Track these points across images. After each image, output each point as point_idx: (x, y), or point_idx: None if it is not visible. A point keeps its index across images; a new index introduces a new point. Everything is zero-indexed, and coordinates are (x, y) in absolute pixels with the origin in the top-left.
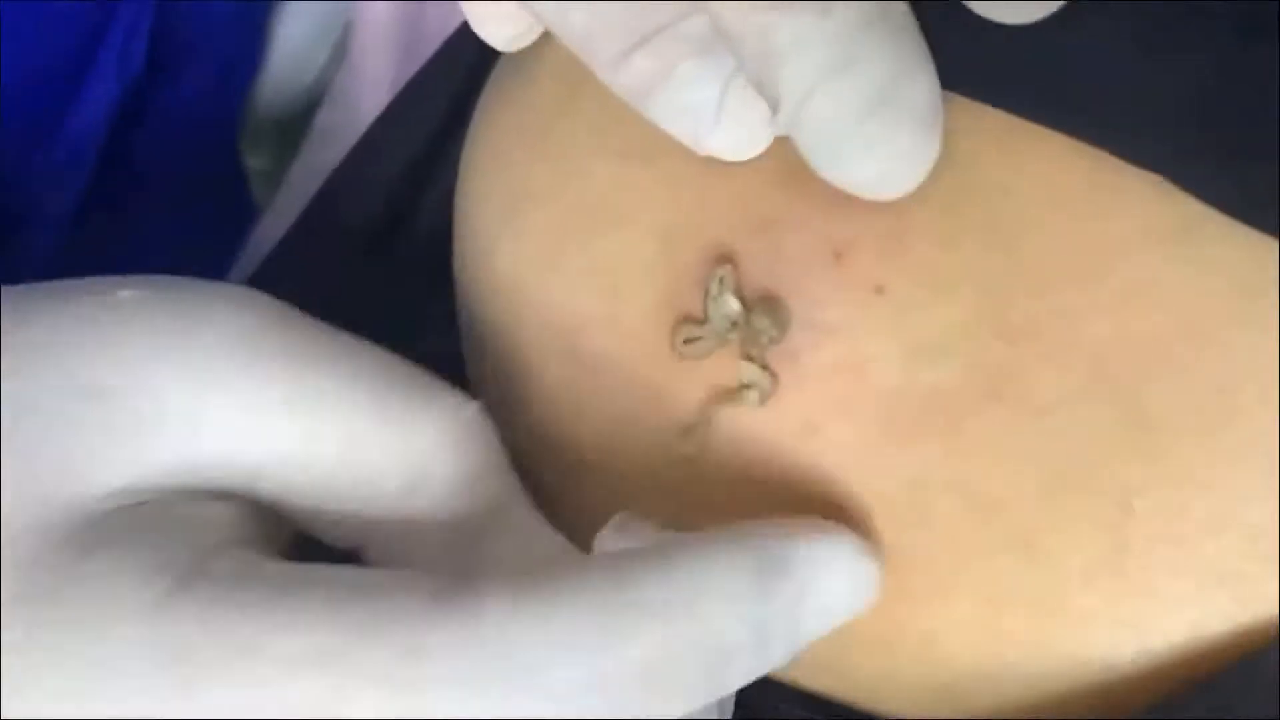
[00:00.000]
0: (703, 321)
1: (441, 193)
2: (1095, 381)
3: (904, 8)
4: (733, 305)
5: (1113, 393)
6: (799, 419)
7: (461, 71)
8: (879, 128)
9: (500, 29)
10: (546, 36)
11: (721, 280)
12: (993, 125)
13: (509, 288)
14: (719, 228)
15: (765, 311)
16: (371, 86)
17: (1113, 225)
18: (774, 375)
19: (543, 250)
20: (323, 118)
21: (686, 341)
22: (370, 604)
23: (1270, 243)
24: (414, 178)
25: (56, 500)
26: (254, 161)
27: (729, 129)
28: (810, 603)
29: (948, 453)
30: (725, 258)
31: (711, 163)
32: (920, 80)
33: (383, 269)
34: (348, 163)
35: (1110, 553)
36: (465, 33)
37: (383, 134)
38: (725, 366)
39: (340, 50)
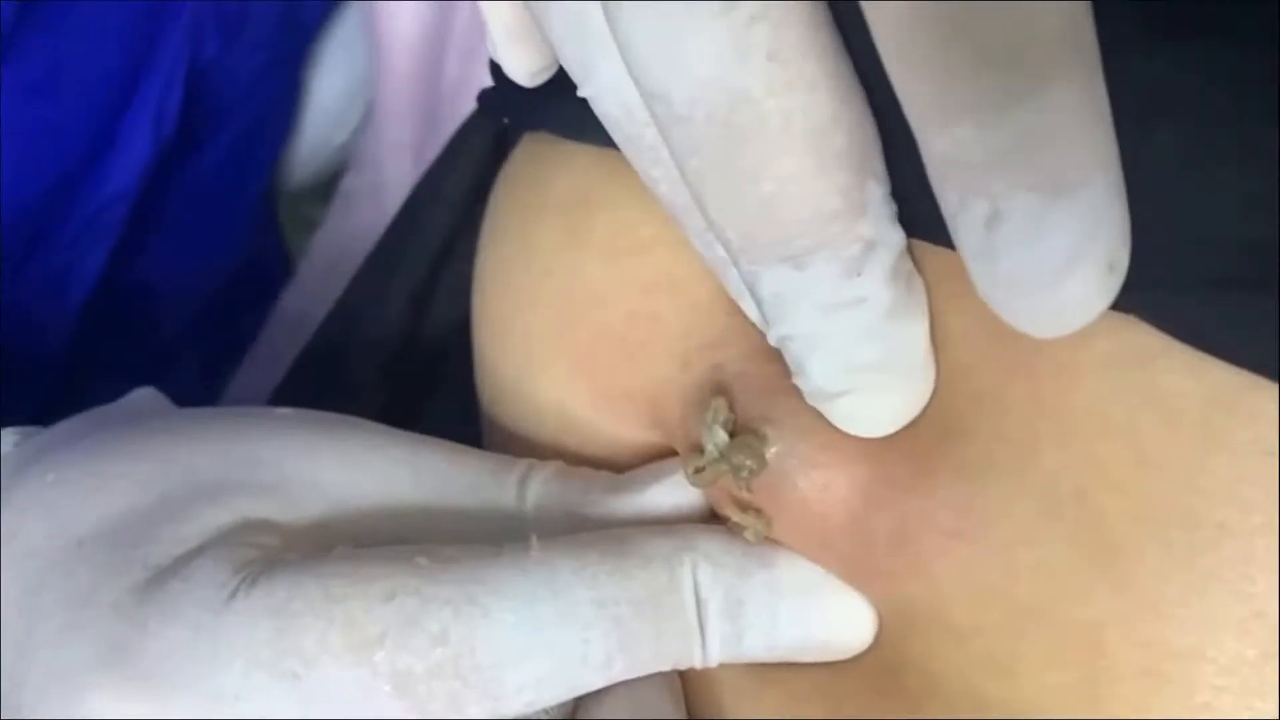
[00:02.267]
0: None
1: (447, 300)
2: (1054, 512)
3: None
4: (721, 437)
5: (1074, 524)
6: (792, 547)
7: (465, 179)
8: (858, 380)
9: (522, 63)
10: (548, 163)
11: (715, 411)
12: (942, 256)
13: (545, 415)
14: (724, 354)
15: (741, 446)
16: (393, 150)
17: (1067, 353)
18: (761, 513)
19: (571, 378)
20: (347, 182)
21: (696, 471)
22: (434, 552)
23: (1229, 371)
24: (420, 292)
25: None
26: (289, 221)
27: None
28: (789, 603)
29: (921, 588)
30: (722, 387)
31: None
32: (910, 331)
33: (394, 373)
34: (363, 274)
35: (1083, 684)
36: (465, 138)
37: (396, 243)
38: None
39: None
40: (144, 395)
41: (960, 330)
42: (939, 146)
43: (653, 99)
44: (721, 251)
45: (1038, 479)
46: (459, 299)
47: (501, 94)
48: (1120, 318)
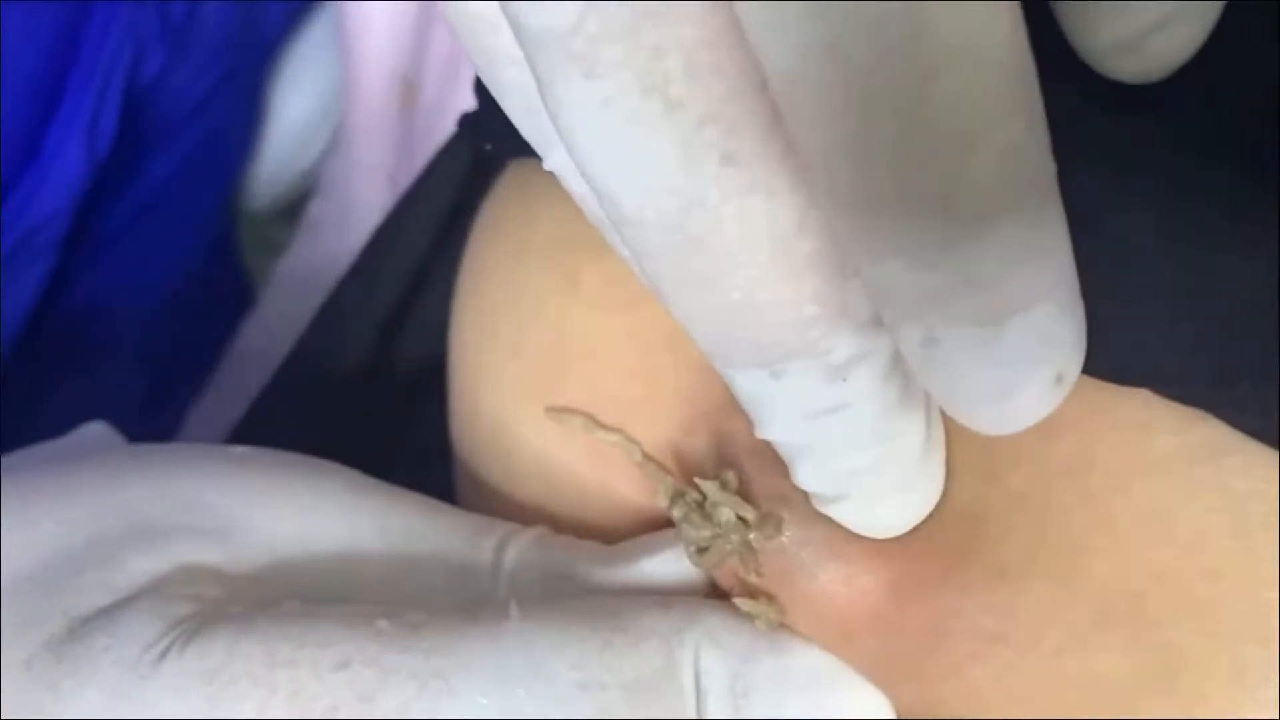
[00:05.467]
0: (707, 526)
1: (418, 334)
2: (1108, 621)
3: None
4: (727, 515)
5: (1131, 633)
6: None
7: (441, 206)
8: (853, 486)
9: None
10: (534, 197)
11: (723, 484)
12: None
13: (528, 472)
14: (732, 424)
15: (752, 526)
16: (364, 174)
17: (1123, 449)
18: (774, 600)
19: (559, 434)
20: (314, 208)
21: (699, 551)
22: (398, 615)
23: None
24: (390, 325)
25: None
26: (250, 248)
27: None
28: (800, 695)
29: (955, 694)
30: (729, 459)
31: None
32: (908, 428)
33: (362, 409)
34: (332, 303)
35: None
36: (442, 163)
37: (366, 272)
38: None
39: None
40: (94, 430)
41: None
42: (868, 274)
43: (601, 197)
44: None
45: (1089, 586)
46: (431, 334)
47: (484, 118)
48: (1183, 411)
